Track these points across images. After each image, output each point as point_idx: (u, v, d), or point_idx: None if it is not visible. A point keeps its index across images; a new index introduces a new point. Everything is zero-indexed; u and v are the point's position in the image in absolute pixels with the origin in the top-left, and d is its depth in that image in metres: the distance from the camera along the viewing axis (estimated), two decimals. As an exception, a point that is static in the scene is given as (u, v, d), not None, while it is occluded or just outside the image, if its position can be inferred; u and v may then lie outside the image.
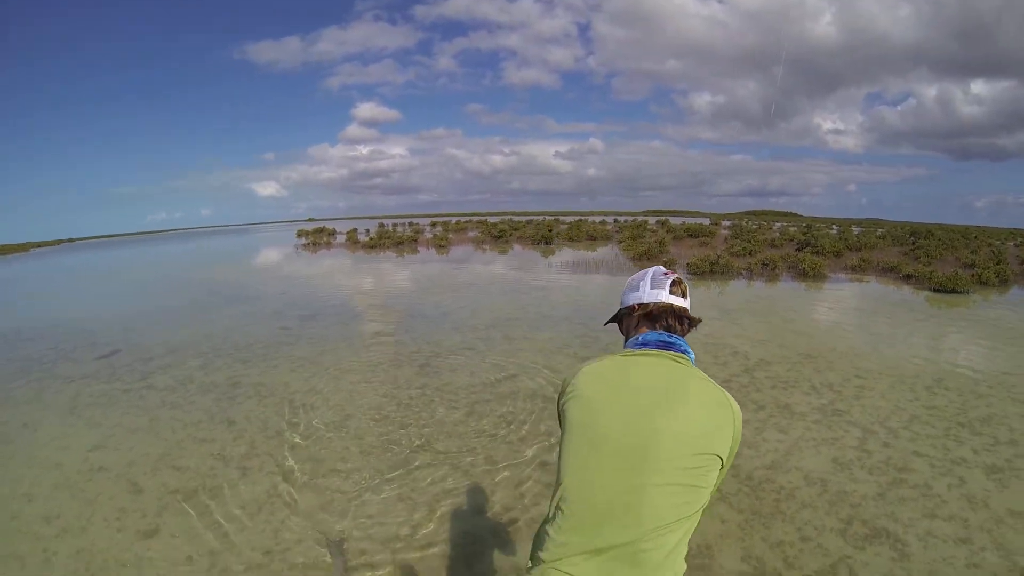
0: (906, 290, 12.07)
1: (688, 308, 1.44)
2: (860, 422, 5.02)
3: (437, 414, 5.14)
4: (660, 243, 20.78)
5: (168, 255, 28.31)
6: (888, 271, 14.44)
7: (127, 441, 4.63)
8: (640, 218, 41.13)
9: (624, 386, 1.27)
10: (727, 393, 1.27)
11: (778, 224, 33.78)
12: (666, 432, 1.17)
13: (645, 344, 1.37)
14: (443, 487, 3.91)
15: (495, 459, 4.30)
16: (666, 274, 1.46)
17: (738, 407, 1.28)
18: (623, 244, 22.17)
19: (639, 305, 1.44)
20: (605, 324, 1.63)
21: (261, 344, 7.68)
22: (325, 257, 22.69)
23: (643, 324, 1.43)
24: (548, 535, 1.22)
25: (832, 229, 28.05)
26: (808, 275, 13.79)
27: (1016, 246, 19.27)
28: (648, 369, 1.30)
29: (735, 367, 6.47)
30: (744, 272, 14.85)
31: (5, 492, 3.82)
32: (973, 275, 12.52)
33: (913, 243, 20.77)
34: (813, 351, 7.09)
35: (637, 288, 1.47)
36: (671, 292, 1.42)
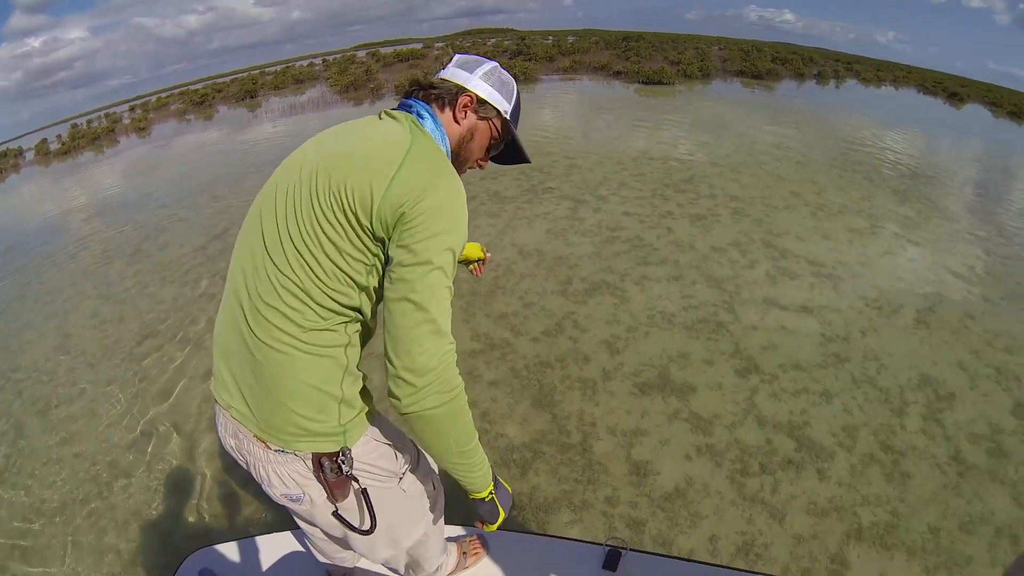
0: (616, 84, 12.91)
1: (465, 84, 0.99)
2: (571, 195, 5.13)
3: (156, 296, 4.84)
4: (367, 71, 20.13)
5: None
6: (599, 69, 15.24)
7: None
8: (349, 53, 36.49)
9: (313, 147, 0.97)
10: (418, 144, 0.90)
11: (492, 39, 32.21)
12: (306, 182, 0.89)
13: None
14: (174, 366, 3.89)
15: (216, 320, 4.28)
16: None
17: (416, 161, 0.86)
18: (330, 81, 21.11)
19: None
20: None
21: (-47, 305, 6.32)
22: (13, 183, 17.63)
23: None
24: None
25: (548, 40, 27.42)
26: (520, 80, 13.83)
27: (720, 49, 22.66)
28: (356, 127, 0.99)
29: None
30: (455, 83, 14.49)
31: None
32: (678, 70, 13.74)
33: (625, 46, 22.39)
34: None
35: None
36: (448, 64, 1.05)
